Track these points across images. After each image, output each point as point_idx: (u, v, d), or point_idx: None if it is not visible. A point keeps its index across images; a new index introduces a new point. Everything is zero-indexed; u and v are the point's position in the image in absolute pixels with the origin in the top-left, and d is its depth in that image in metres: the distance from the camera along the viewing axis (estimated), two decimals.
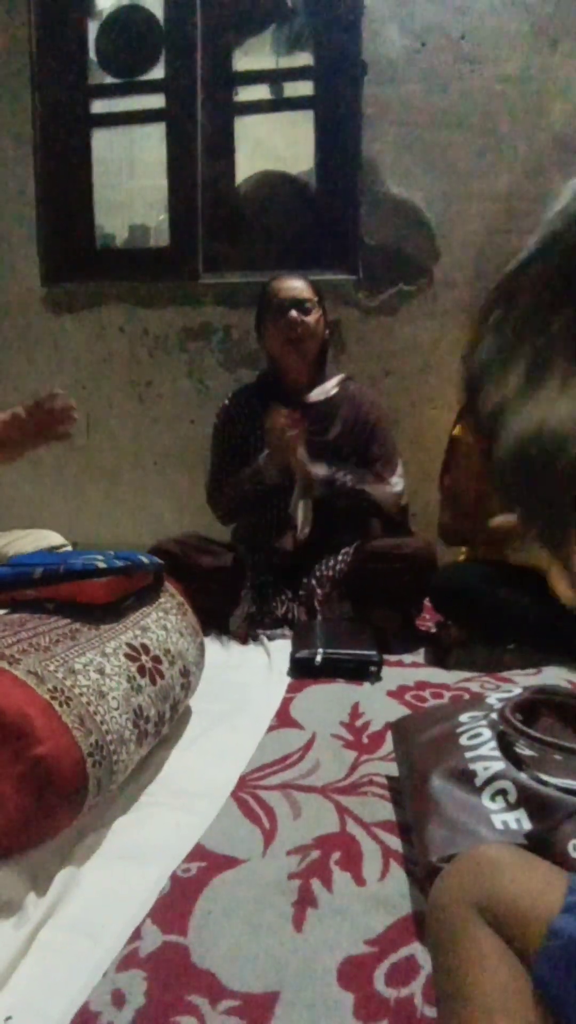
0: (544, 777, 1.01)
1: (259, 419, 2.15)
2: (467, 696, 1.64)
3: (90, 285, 2.78)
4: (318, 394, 2.21)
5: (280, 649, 1.93)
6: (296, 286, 2.15)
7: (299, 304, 2.12)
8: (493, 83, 2.40)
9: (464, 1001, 0.64)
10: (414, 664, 1.89)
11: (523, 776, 1.02)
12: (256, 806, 1.24)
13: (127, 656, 1.30)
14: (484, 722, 1.16)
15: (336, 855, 1.11)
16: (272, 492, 2.12)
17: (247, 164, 2.94)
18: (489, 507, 2.02)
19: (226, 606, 2.06)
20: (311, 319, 2.13)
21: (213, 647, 1.94)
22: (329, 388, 2.22)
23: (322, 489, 2.05)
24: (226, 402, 2.33)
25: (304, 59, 2.81)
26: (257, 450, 2.13)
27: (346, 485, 2.06)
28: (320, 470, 2.06)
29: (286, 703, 1.64)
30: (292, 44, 2.95)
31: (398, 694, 1.69)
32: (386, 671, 1.80)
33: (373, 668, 1.78)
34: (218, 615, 2.03)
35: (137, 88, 2.84)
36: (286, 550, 2.12)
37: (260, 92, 2.92)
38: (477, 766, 1.07)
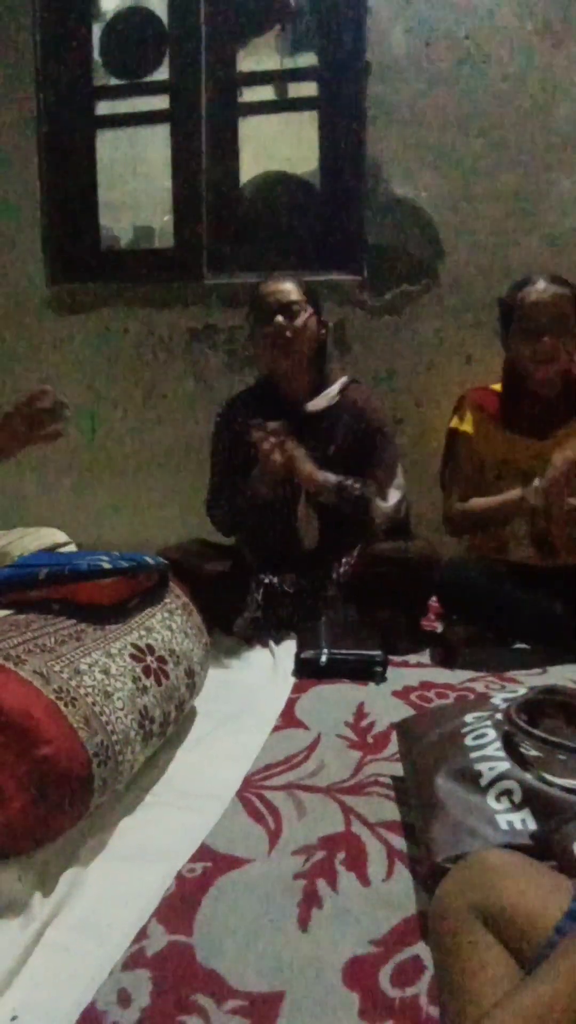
0: (549, 777, 1.01)
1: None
2: (472, 696, 1.64)
3: (95, 286, 2.78)
4: (318, 403, 2.14)
5: (285, 650, 1.93)
6: (282, 289, 2.07)
7: (285, 308, 2.04)
8: (497, 83, 2.40)
9: (462, 1004, 0.65)
10: (419, 664, 1.89)
11: (528, 776, 1.03)
12: (261, 806, 1.24)
13: (132, 657, 1.30)
14: (489, 722, 1.15)
15: (341, 855, 1.11)
16: (275, 500, 2.10)
17: (251, 165, 2.93)
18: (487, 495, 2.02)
19: (231, 611, 2.05)
20: (299, 322, 2.05)
21: (218, 647, 1.94)
22: (331, 395, 2.16)
23: (330, 497, 2.02)
24: (221, 411, 2.27)
25: (308, 59, 2.80)
26: (255, 460, 2.04)
27: (354, 493, 2.03)
28: (330, 477, 2.03)
29: (291, 703, 1.64)
30: (296, 45, 2.95)
31: (403, 694, 1.69)
32: (391, 671, 1.80)
33: (378, 668, 1.78)
34: (223, 619, 2.03)
35: (141, 89, 2.84)
36: (291, 555, 2.11)
37: (264, 93, 2.91)
38: (482, 766, 1.07)
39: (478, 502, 2.00)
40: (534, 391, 1.98)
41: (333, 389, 2.16)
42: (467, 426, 2.06)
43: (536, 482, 1.85)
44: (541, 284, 1.92)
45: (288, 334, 2.04)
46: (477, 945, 0.67)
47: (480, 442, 2.03)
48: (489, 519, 2.00)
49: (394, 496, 2.08)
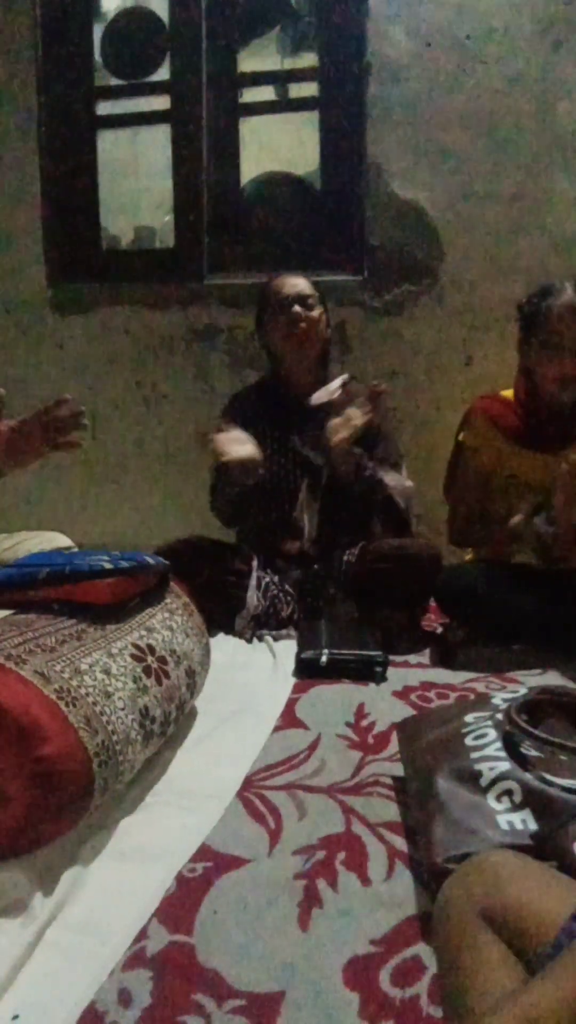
0: (550, 777, 1.01)
1: (257, 422, 2.14)
2: (472, 696, 1.63)
3: (95, 286, 2.79)
4: (320, 396, 2.19)
5: (285, 650, 1.93)
6: (298, 283, 2.14)
7: (302, 300, 2.11)
8: (498, 83, 2.40)
9: (466, 1005, 0.65)
10: (419, 664, 1.89)
11: (528, 776, 1.02)
12: (262, 806, 1.24)
13: (133, 657, 1.30)
14: (489, 722, 1.16)
15: (342, 855, 1.11)
16: (277, 494, 2.11)
17: (252, 165, 2.94)
18: (493, 511, 2.01)
19: (231, 608, 2.06)
20: (314, 314, 2.12)
21: (218, 647, 1.94)
22: (333, 389, 2.21)
23: (352, 467, 2.03)
24: (227, 405, 2.31)
25: (309, 60, 2.81)
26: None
27: (374, 473, 2.04)
28: (355, 449, 2.04)
29: (291, 703, 1.64)
30: (297, 45, 2.96)
31: (403, 694, 1.69)
32: (391, 671, 1.80)
33: (378, 668, 1.78)
34: (223, 616, 2.04)
35: (142, 89, 2.84)
36: (291, 552, 2.12)
37: (265, 93, 2.91)
38: (482, 766, 1.07)
39: (484, 530, 1.99)
40: (549, 405, 1.92)
41: (335, 384, 2.20)
42: (475, 440, 2.01)
43: (541, 517, 1.83)
44: (568, 295, 1.81)
45: (304, 324, 2.10)
46: (481, 946, 0.67)
47: (488, 456, 2.00)
48: (492, 542, 1.99)
49: (407, 481, 2.11)
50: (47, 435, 1.59)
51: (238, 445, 1.98)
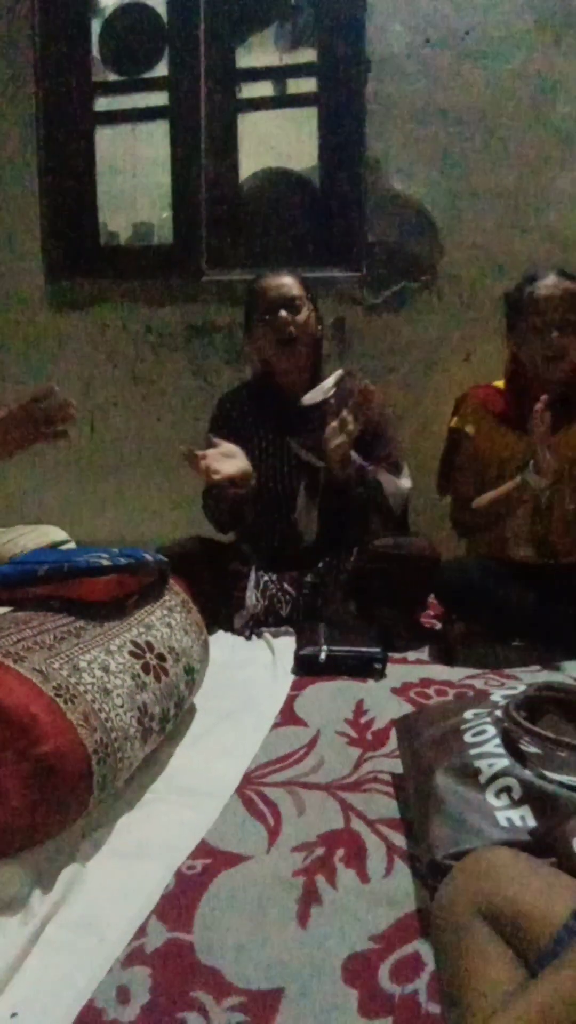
0: (548, 774, 1.01)
1: (250, 425, 2.12)
2: (471, 693, 1.64)
3: (94, 282, 2.78)
4: (314, 395, 2.14)
5: (284, 646, 1.93)
6: (284, 283, 2.06)
7: (288, 303, 2.03)
8: (497, 79, 2.39)
9: (466, 1002, 0.65)
10: (418, 661, 1.89)
11: (527, 773, 1.03)
12: (261, 803, 1.24)
13: (131, 654, 1.30)
14: (488, 719, 1.16)
15: (340, 852, 1.11)
16: (274, 496, 2.09)
17: (250, 161, 2.93)
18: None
19: (230, 606, 2.05)
20: (302, 317, 2.04)
21: (217, 645, 1.94)
22: (327, 388, 2.16)
23: (349, 473, 1.98)
24: (217, 406, 2.26)
25: (308, 55, 2.80)
26: (251, 456, 2.00)
27: (374, 475, 2.00)
28: (352, 453, 1.98)
29: (290, 700, 1.64)
30: (295, 41, 2.94)
31: (402, 691, 1.69)
32: (390, 668, 1.80)
33: (377, 665, 1.77)
34: (222, 614, 2.03)
35: (140, 85, 2.83)
36: (291, 550, 2.11)
37: (263, 89, 2.91)
38: (481, 763, 1.07)
39: (484, 498, 1.97)
40: (539, 388, 1.92)
41: (328, 382, 2.16)
42: (468, 425, 2.03)
43: (531, 465, 1.82)
44: (551, 279, 1.87)
45: (292, 329, 2.03)
46: (480, 943, 0.67)
47: (482, 441, 2.01)
48: (495, 512, 1.97)
49: (404, 483, 2.07)
50: (34, 426, 1.58)
51: (227, 462, 1.90)
